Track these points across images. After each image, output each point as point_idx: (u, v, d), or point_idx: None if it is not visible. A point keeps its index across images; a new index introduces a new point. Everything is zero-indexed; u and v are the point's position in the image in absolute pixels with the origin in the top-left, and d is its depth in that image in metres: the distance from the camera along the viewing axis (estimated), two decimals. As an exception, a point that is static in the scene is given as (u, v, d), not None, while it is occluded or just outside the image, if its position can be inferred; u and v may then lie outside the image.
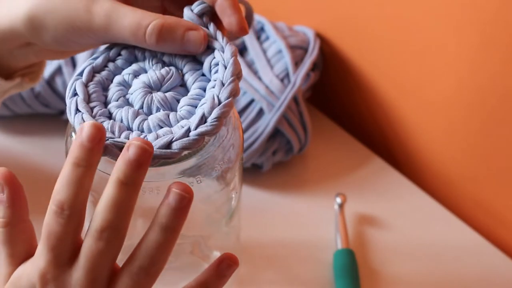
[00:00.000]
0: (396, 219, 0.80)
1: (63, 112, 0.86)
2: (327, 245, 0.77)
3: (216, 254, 0.69)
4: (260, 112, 0.81)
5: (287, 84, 0.82)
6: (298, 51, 0.85)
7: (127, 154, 0.47)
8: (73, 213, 0.48)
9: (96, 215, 0.48)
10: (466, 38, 0.74)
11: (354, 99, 0.90)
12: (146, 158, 0.47)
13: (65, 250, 0.49)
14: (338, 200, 0.78)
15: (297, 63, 0.84)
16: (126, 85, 0.55)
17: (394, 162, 0.87)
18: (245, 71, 0.81)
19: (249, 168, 0.83)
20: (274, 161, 0.83)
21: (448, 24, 0.75)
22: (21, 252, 0.51)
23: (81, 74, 0.55)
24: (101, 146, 0.48)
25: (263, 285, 0.74)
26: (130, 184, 0.47)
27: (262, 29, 0.86)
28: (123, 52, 0.56)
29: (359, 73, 0.87)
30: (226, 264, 0.52)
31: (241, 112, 0.81)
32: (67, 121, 0.54)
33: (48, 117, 0.86)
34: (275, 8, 0.93)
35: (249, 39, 0.84)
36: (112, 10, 0.53)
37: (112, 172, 0.48)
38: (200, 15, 0.55)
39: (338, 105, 0.92)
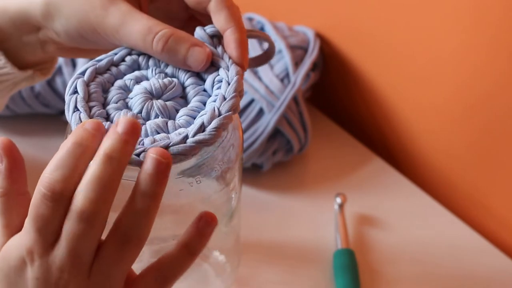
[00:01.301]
0: (396, 219, 0.80)
1: (63, 112, 0.86)
2: (327, 245, 0.77)
3: (216, 254, 0.69)
4: (260, 112, 0.81)
5: (287, 84, 0.82)
6: (298, 51, 0.85)
7: (115, 128, 0.48)
8: (63, 197, 0.47)
9: (78, 194, 0.47)
10: (467, 38, 0.74)
11: (354, 99, 0.90)
12: (134, 133, 0.48)
13: (52, 232, 0.48)
14: (338, 200, 0.78)
15: (297, 63, 0.84)
16: (126, 90, 0.55)
17: (394, 162, 0.87)
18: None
19: (249, 168, 0.83)
20: (274, 161, 0.83)
21: (448, 25, 0.75)
22: (16, 224, 0.51)
23: (83, 73, 0.55)
24: (101, 138, 0.48)
25: (263, 285, 0.73)
26: (115, 159, 0.47)
27: (262, 29, 0.86)
28: (127, 59, 0.56)
29: (359, 73, 0.87)
30: (205, 221, 0.51)
31: (241, 112, 0.81)
32: (67, 121, 0.54)
33: (48, 117, 0.86)
34: (275, 8, 0.93)
35: (249, 42, 0.84)
36: (128, 13, 0.55)
37: (97, 151, 0.48)
38: (211, 36, 0.56)
39: (338, 105, 0.92)
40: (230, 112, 0.52)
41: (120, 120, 0.48)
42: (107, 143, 0.48)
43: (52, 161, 0.48)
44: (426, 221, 0.80)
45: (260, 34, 0.60)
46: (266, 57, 0.61)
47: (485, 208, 0.80)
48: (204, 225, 0.52)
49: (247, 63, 0.56)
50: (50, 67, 0.63)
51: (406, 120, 0.85)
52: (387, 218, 0.80)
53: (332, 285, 0.74)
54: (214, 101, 0.53)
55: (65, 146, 0.48)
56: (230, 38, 0.55)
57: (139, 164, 0.49)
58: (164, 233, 0.51)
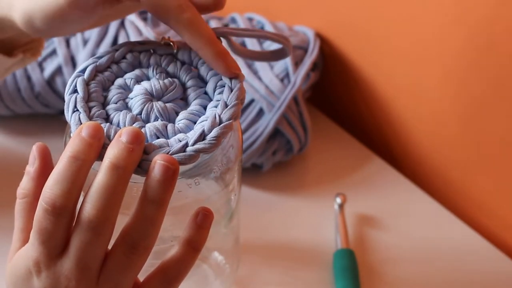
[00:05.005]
0: (396, 219, 0.80)
1: (63, 112, 0.85)
2: (327, 245, 0.77)
3: (216, 255, 0.69)
4: (260, 112, 0.81)
5: (287, 84, 0.82)
6: (298, 51, 0.85)
7: (119, 138, 0.48)
8: (65, 210, 0.48)
9: (85, 202, 0.48)
10: (469, 38, 0.74)
11: (354, 99, 0.90)
12: (138, 141, 0.48)
13: (57, 243, 0.49)
14: (338, 200, 0.78)
15: (297, 63, 0.84)
16: (126, 89, 0.55)
17: (394, 162, 0.87)
18: (245, 71, 0.81)
19: (249, 168, 0.83)
20: (274, 161, 0.83)
21: (450, 25, 0.75)
22: (31, 229, 0.51)
23: (83, 71, 0.54)
24: (100, 145, 0.49)
25: (263, 286, 0.73)
26: (121, 167, 0.48)
27: (262, 29, 0.86)
28: (129, 56, 0.56)
29: (359, 73, 0.87)
30: (202, 215, 0.52)
31: (241, 112, 0.81)
32: (67, 121, 0.54)
33: (48, 117, 0.86)
34: (275, 8, 0.93)
35: (249, 39, 0.84)
36: None
37: (103, 160, 0.48)
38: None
39: (338, 105, 0.92)
40: (231, 121, 0.52)
41: (124, 130, 0.48)
42: (112, 152, 0.48)
43: (51, 175, 0.48)
44: (426, 221, 0.80)
45: (276, 38, 0.58)
46: (281, 54, 0.60)
47: (485, 208, 0.80)
48: (202, 218, 0.52)
49: (236, 68, 0.54)
50: (38, 46, 0.63)
51: (406, 120, 0.85)
52: (387, 218, 0.80)
53: (332, 285, 0.74)
54: (216, 107, 0.53)
55: (63, 159, 0.48)
56: (204, 58, 0.54)
57: (146, 171, 0.49)
58: (163, 235, 0.51)
